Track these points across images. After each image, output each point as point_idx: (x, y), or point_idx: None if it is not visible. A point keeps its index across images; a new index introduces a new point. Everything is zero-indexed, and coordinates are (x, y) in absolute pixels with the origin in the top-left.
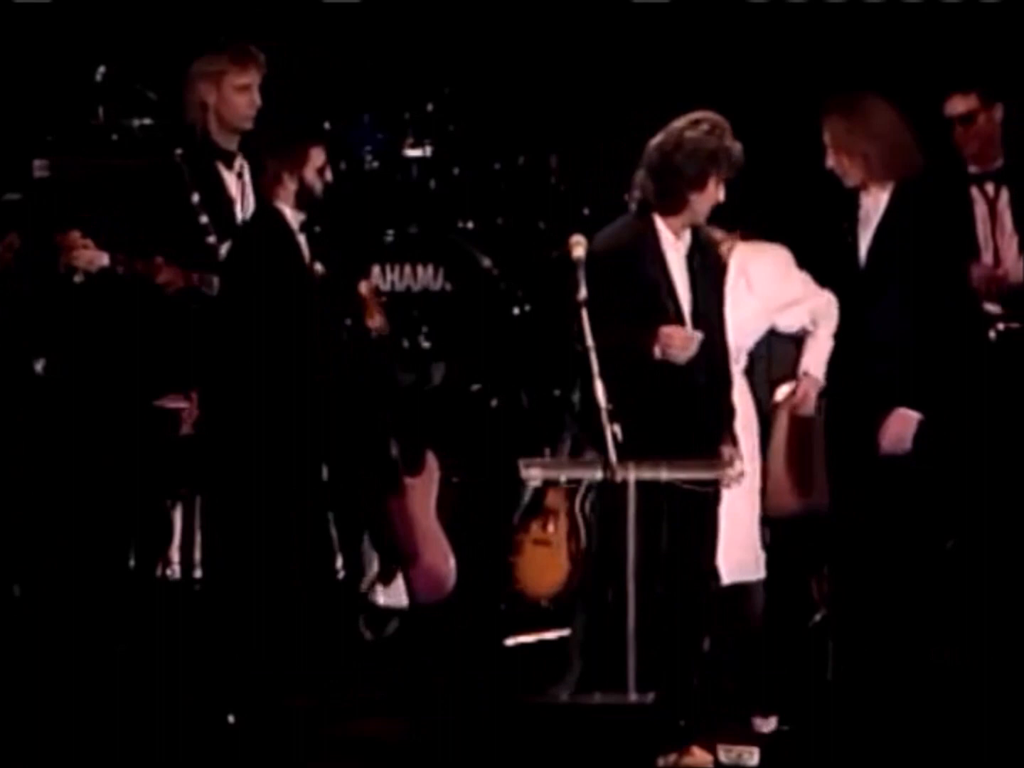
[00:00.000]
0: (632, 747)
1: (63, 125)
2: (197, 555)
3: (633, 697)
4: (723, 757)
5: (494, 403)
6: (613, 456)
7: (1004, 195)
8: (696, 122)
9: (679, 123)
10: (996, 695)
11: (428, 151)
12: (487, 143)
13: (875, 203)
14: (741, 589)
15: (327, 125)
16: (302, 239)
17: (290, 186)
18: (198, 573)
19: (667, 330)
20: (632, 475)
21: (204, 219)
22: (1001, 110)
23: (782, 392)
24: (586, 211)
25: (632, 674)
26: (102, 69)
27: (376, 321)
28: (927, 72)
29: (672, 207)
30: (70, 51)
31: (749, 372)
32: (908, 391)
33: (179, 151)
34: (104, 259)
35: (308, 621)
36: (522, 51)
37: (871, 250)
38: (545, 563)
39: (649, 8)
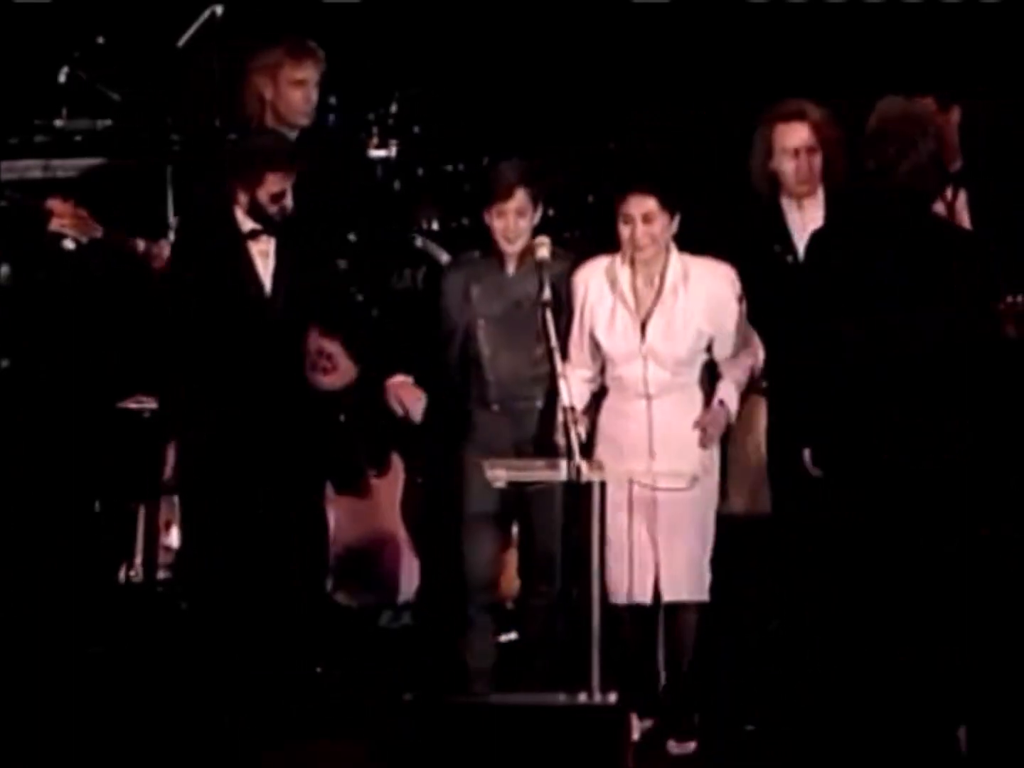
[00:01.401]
0: (595, 747)
1: (26, 127)
2: (161, 558)
3: (596, 697)
4: (674, 750)
5: None
6: (578, 457)
7: (962, 197)
8: None
9: None
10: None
11: (393, 152)
12: (451, 144)
13: (813, 215)
14: (674, 609)
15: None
16: (252, 245)
17: (243, 198)
18: (161, 575)
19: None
20: (597, 476)
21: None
22: (958, 113)
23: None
24: (551, 212)
25: (596, 674)
26: (65, 70)
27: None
28: (885, 74)
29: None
30: (33, 53)
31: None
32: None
33: (232, 140)
34: (98, 231)
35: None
36: (485, 52)
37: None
38: (510, 564)
39: (615, 10)
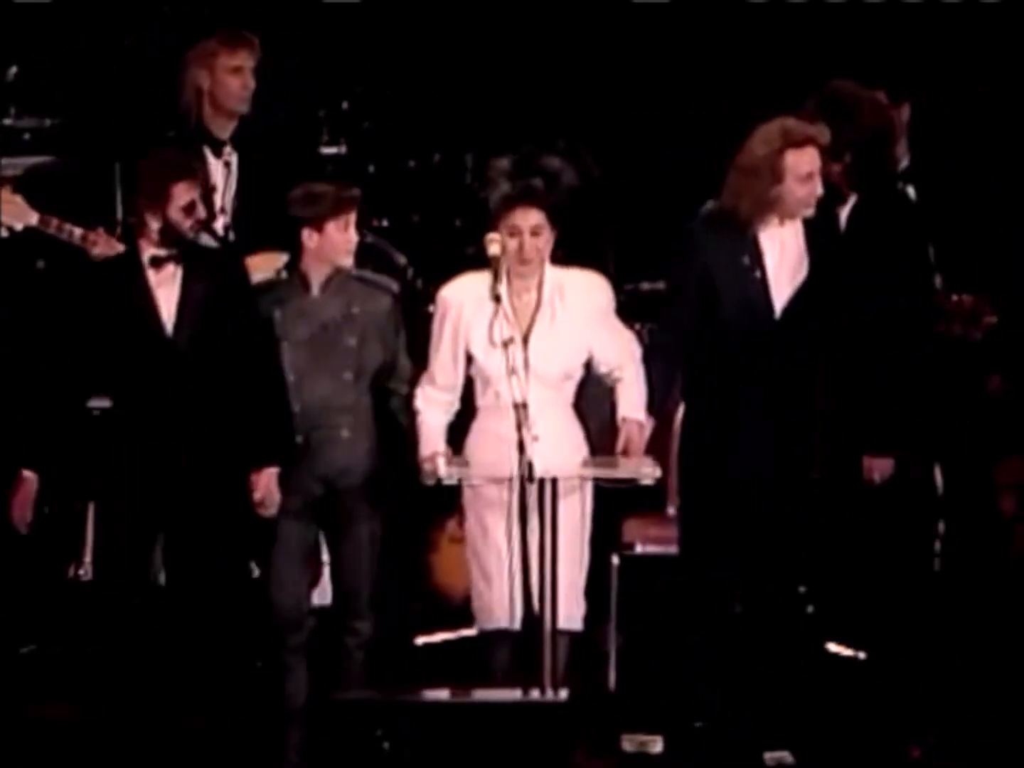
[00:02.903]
0: (545, 745)
1: None
2: None
3: (547, 695)
4: (627, 746)
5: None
6: (530, 453)
7: (910, 193)
8: None
9: None
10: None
11: (343, 149)
12: (402, 141)
13: (790, 233)
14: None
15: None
16: (152, 274)
17: (153, 224)
18: None
19: None
20: (550, 473)
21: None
22: (908, 110)
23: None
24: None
25: (547, 672)
26: (14, 69)
27: None
28: (838, 69)
29: None
30: None
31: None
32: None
33: (171, 134)
34: (33, 217)
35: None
36: (437, 50)
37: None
38: (460, 561)
39: (566, 5)
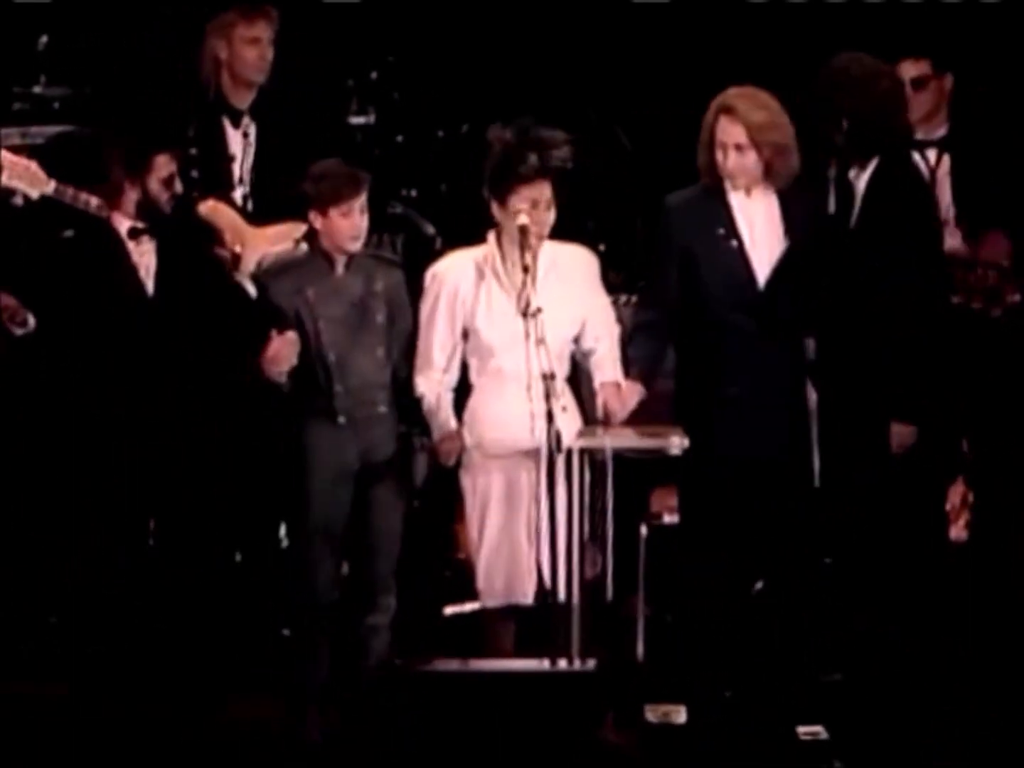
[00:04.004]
0: (573, 714)
1: (4, 93)
2: None
3: (576, 664)
4: (650, 716)
5: None
6: (558, 425)
7: (945, 163)
8: None
9: None
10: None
11: (372, 119)
12: (431, 111)
13: (761, 205)
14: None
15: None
16: (132, 246)
17: (131, 195)
18: None
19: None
20: (577, 444)
21: (195, 173)
22: (951, 80)
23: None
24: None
25: (576, 641)
26: (44, 38)
27: None
28: (883, 37)
29: None
30: (12, 21)
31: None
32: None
33: (188, 103)
34: (49, 186)
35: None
36: (466, 22)
37: (787, 254)
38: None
39: None
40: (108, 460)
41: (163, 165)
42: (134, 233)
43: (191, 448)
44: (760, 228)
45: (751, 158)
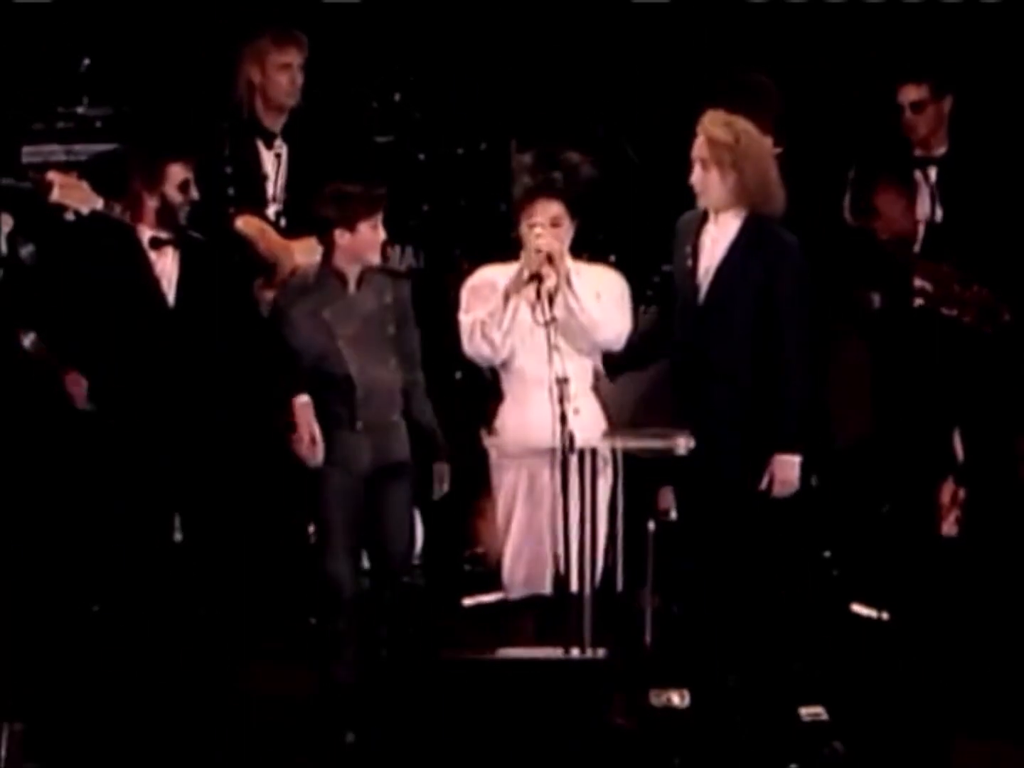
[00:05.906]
0: (583, 702)
1: (49, 113)
2: None
3: (588, 653)
4: (654, 700)
5: (458, 375)
6: (571, 426)
7: (924, 188)
8: None
9: None
10: None
11: (394, 138)
12: (450, 129)
13: (724, 230)
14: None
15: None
16: (154, 256)
17: (150, 204)
18: None
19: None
20: (589, 444)
21: (231, 191)
22: (951, 101)
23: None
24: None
25: (587, 631)
26: (87, 61)
27: None
28: (883, 62)
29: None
30: (56, 44)
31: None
32: (748, 418)
33: (224, 125)
34: (98, 202)
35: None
36: (483, 44)
37: (716, 278)
38: (489, 524)
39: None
40: (133, 462)
41: (177, 173)
42: (155, 243)
43: (214, 450)
44: (708, 252)
45: (714, 175)
